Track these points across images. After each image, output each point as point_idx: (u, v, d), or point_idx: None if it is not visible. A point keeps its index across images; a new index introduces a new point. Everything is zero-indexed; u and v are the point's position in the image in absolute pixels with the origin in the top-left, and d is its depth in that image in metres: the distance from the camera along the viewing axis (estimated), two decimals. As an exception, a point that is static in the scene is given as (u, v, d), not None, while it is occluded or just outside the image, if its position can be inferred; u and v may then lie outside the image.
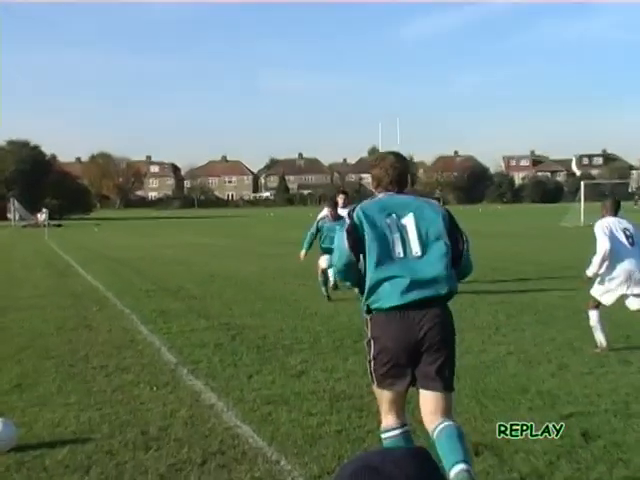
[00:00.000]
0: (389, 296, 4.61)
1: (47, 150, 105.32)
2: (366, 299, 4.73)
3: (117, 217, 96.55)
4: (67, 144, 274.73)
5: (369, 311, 4.77)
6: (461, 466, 4.35)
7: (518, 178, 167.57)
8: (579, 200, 48.87)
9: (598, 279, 9.13)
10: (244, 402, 7.27)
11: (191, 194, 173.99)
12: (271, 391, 7.68)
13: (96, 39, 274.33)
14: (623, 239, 8.88)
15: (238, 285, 15.61)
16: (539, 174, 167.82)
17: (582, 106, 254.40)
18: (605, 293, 9.07)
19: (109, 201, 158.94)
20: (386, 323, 4.64)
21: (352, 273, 4.86)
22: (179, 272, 20.28)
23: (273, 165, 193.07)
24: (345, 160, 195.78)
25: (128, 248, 26.73)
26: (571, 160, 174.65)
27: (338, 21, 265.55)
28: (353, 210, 4.90)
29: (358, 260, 4.76)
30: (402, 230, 4.73)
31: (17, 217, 71.48)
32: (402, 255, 4.68)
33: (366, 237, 4.72)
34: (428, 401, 4.69)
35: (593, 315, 9.25)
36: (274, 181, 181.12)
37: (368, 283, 4.69)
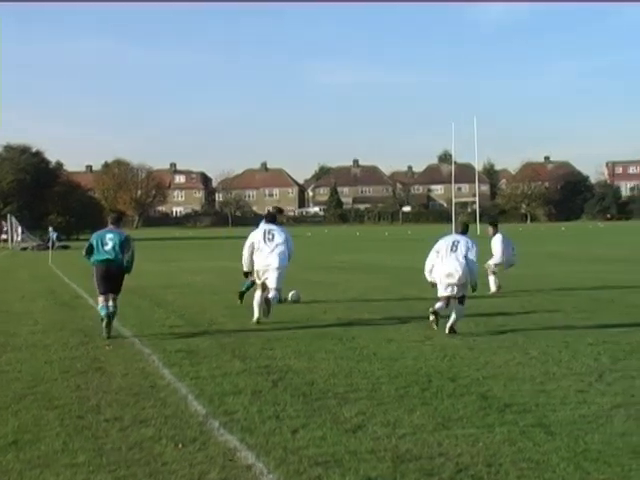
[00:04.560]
0: (96, 257, 15.47)
1: (51, 157, 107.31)
2: (91, 258, 15.65)
3: (135, 237, 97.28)
4: (75, 150, 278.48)
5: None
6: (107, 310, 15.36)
7: (626, 189, 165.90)
8: None
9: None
10: (288, 463, 7.26)
11: (224, 209, 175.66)
12: (321, 449, 7.66)
13: (107, 27, 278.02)
14: (447, 250, 14.85)
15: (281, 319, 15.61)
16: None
17: None
18: (440, 288, 14.99)
19: (126, 218, 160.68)
20: (97, 268, 15.50)
21: (88, 255, 15.71)
22: (210, 303, 20.47)
23: (323, 175, 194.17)
24: (410, 168, 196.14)
25: (148, 275, 26.95)
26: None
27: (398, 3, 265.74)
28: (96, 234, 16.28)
29: (88, 253, 15.63)
30: (105, 240, 15.50)
31: (17, 238, 72.54)
32: (103, 248, 15.44)
33: (94, 243, 15.54)
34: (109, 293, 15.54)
35: (438, 304, 14.97)
36: (324, 194, 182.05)
37: (93, 255, 15.55)
